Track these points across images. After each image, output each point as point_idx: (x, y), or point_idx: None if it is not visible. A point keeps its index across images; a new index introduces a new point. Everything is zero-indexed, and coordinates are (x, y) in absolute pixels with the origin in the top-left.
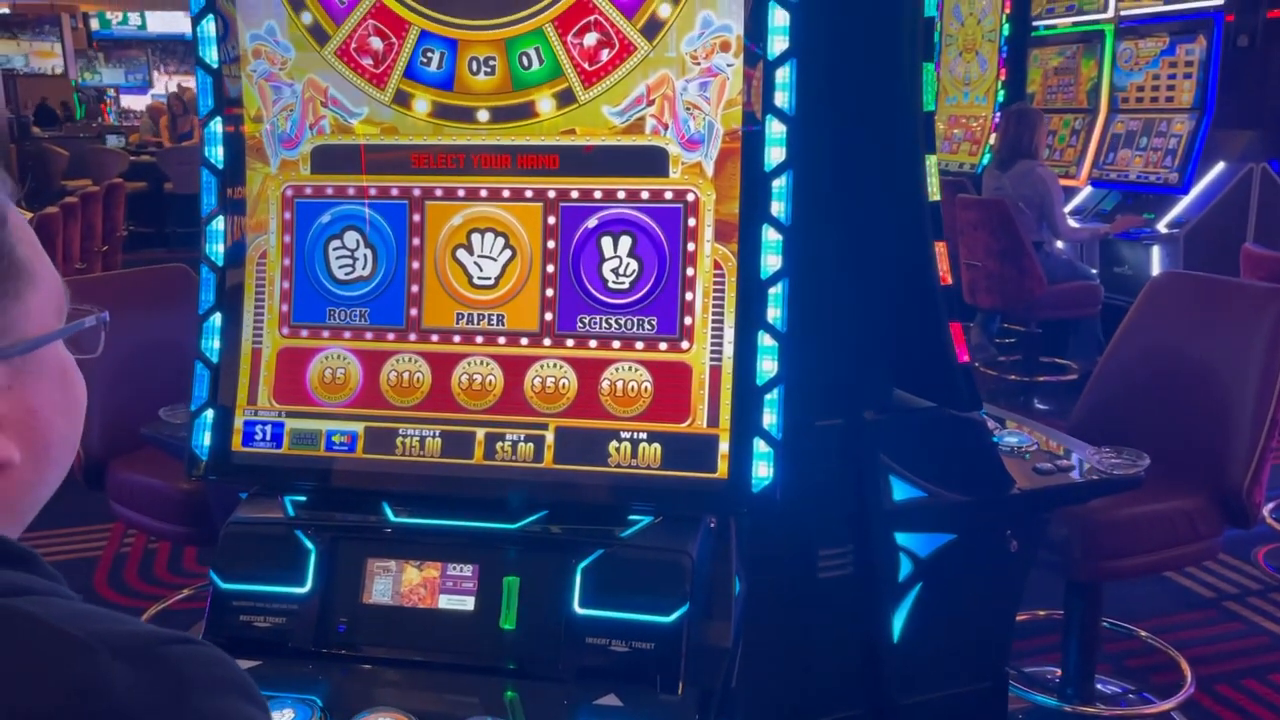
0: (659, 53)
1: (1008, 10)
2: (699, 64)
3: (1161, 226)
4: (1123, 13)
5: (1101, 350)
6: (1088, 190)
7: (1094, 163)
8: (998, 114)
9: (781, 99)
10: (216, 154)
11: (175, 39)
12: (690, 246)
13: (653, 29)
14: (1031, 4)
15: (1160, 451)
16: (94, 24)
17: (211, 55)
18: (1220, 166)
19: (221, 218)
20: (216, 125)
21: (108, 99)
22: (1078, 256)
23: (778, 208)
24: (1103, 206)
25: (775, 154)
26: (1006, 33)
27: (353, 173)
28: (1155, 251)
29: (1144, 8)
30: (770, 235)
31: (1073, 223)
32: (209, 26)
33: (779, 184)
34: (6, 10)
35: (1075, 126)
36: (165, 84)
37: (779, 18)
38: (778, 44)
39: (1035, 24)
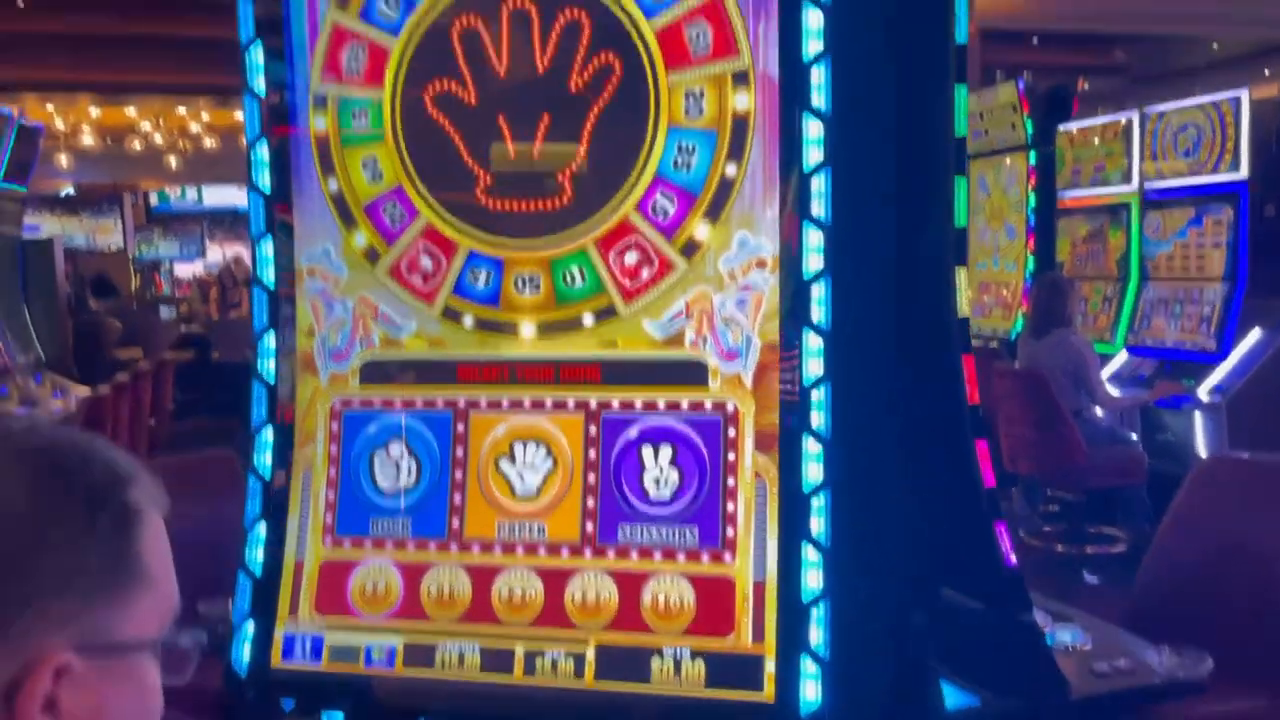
0: (697, 270)
1: (1032, 183)
2: (736, 281)
3: (1202, 393)
4: (1148, 185)
5: (1150, 519)
6: (1124, 357)
7: (1129, 329)
8: (1029, 280)
9: (818, 314)
10: (269, 367)
11: (228, 211)
12: (731, 457)
13: (691, 248)
14: (1056, 177)
15: (1221, 646)
16: (153, 199)
17: (268, 275)
18: (1257, 333)
19: (270, 428)
20: (270, 340)
21: (161, 270)
22: (1119, 423)
23: (818, 419)
24: (1140, 372)
25: (813, 367)
26: (1032, 203)
27: (400, 385)
28: (1198, 418)
29: (1168, 181)
30: (811, 446)
31: (1112, 390)
32: (267, 247)
33: (817, 396)
34: (71, 190)
35: (1107, 294)
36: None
37: (813, 238)
38: (813, 262)
39: (1061, 194)
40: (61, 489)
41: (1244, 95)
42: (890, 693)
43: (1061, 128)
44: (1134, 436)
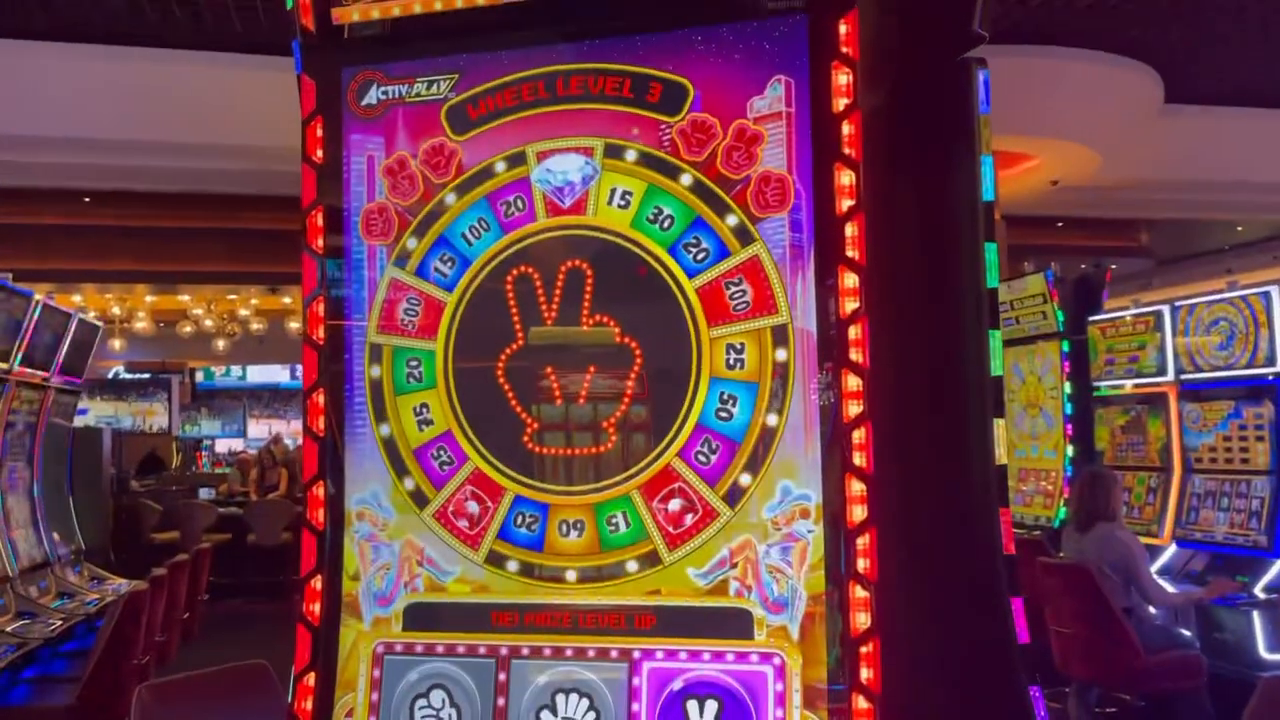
0: (741, 518)
1: (1067, 371)
2: (780, 529)
3: (1259, 591)
4: (1184, 377)
5: None
6: (1173, 549)
7: (1175, 522)
8: (1069, 468)
9: (864, 564)
10: (314, 610)
11: (270, 387)
12: (779, 713)
13: (734, 496)
14: (1089, 365)
15: None
16: (199, 376)
17: (319, 517)
18: None
19: (313, 674)
20: (317, 583)
21: (204, 449)
22: (1173, 622)
23: (868, 674)
24: (1191, 567)
25: (860, 620)
26: (1068, 391)
27: (443, 631)
28: (1256, 618)
29: (1203, 374)
30: (860, 704)
31: (1165, 585)
32: (319, 490)
33: (866, 650)
34: (122, 368)
35: (1151, 484)
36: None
37: (855, 489)
38: (856, 513)
39: (1097, 384)
40: None
41: (1275, 290)
42: None
43: (1092, 319)
44: (1190, 635)
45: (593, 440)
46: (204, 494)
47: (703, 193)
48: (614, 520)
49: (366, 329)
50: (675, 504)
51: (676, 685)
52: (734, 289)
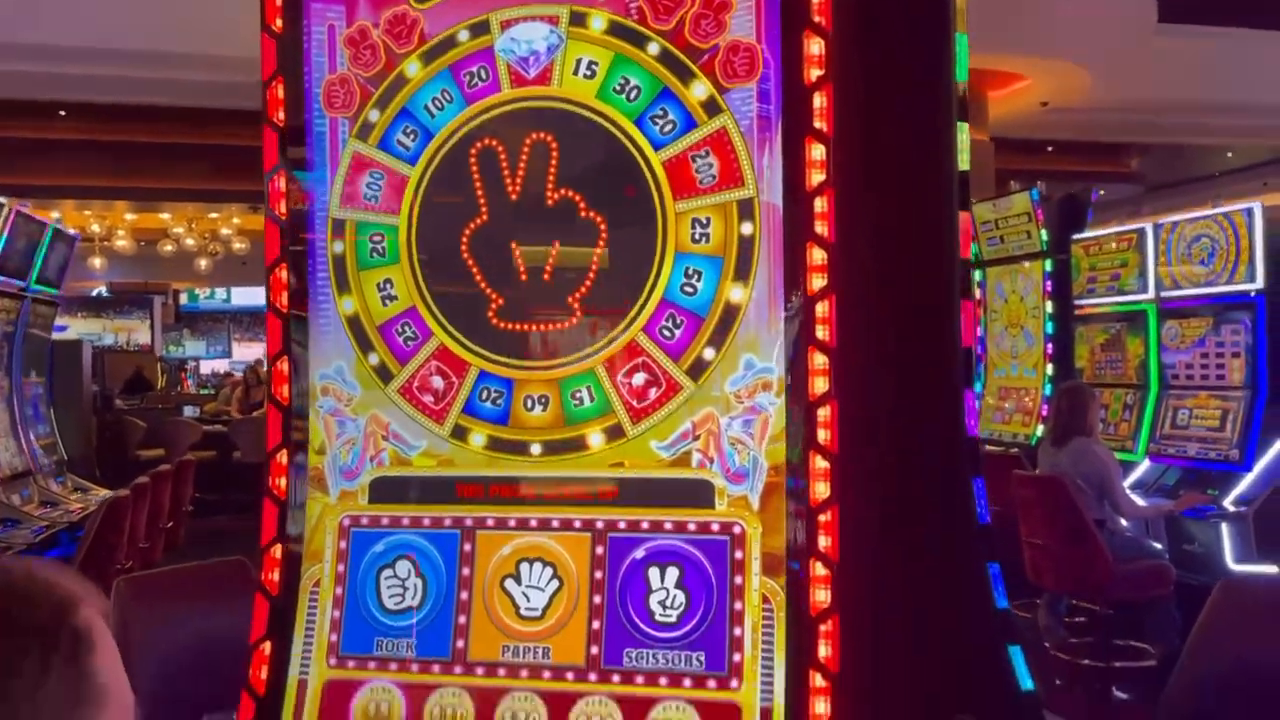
0: (704, 391)
1: (1048, 291)
2: (743, 402)
3: (1228, 504)
4: (1164, 294)
5: (1180, 633)
6: (1146, 465)
7: (1150, 438)
8: (1048, 386)
9: (824, 436)
10: (279, 484)
11: (255, 310)
12: (738, 580)
13: (698, 370)
14: (1072, 283)
15: None
16: (182, 299)
17: (283, 392)
18: None
19: (279, 546)
20: (282, 457)
21: (188, 370)
22: (1144, 534)
23: (825, 542)
24: (1164, 481)
25: (820, 489)
26: (1049, 310)
27: (409, 503)
28: (1225, 530)
29: (1184, 290)
30: (818, 570)
31: (1136, 499)
32: (283, 366)
33: (825, 518)
34: (104, 290)
35: (1127, 401)
36: (245, 351)
37: (818, 361)
38: (818, 385)
39: (1078, 302)
40: (11, 636)
41: (1257, 206)
42: None
43: (1076, 237)
44: (1160, 547)
45: (557, 315)
46: (189, 412)
47: (670, 62)
48: (578, 394)
49: (329, 204)
50: (639, 378)
51: (639, 554)
52: (700, 161)
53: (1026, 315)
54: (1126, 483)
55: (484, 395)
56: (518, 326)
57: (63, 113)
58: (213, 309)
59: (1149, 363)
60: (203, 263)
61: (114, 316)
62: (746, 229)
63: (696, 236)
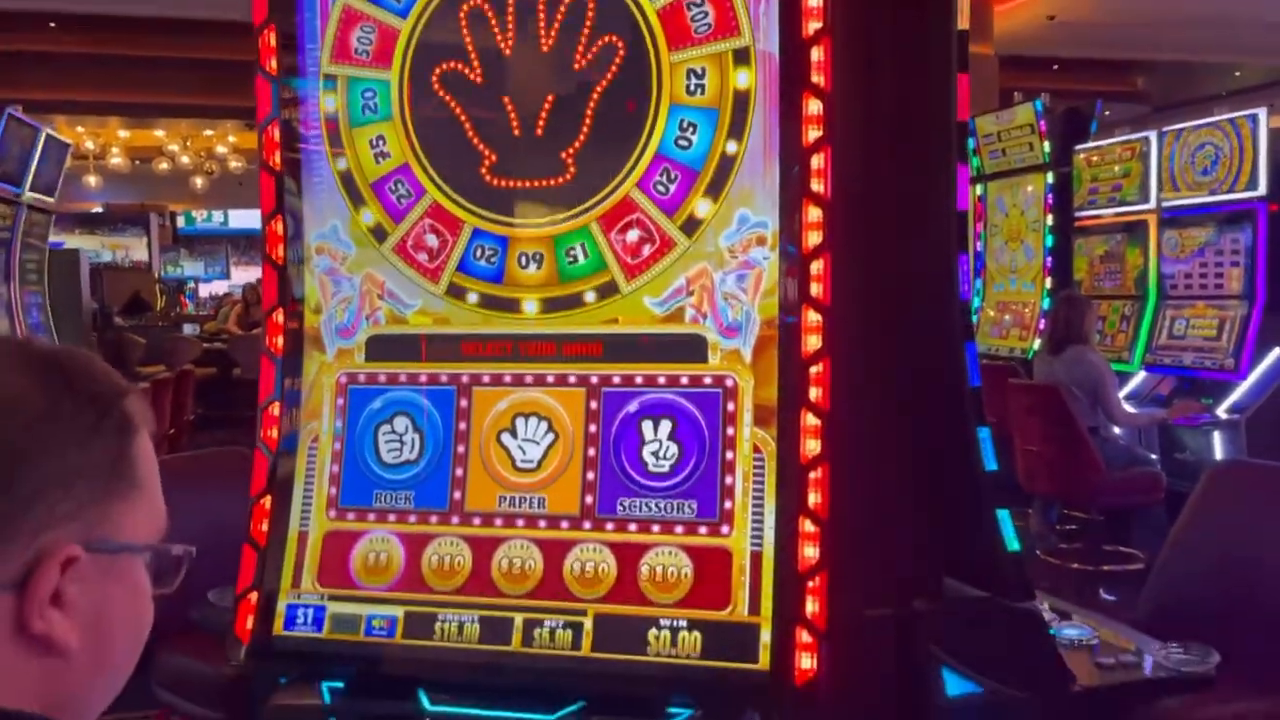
0: (698, 247)
1: (1049, 204)
2: (736, 257)
3: (1221, 412)
4: (1165, 204)
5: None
6: (1142, 375)
7: (1146, 348)
8: (1046, 300)
9: (817, 289)
10: (277, 343)
11: (253, 233)
12: (730, 431)
13: (692, 226)
14: (1073, 195)
15: (1231, 648)
16: (180, 221)
17: (278, 252)
18: (1277, 352)
19: (278, 404)
20: (279, 317)
21: (187, 293)
22: (1137, 442)
23: (816, 393)
24: (1158, 391)
25: (812, 342)
26: (1050, 223)
27: (405, 361)
28: (1217, 437)
29: (1186, 198)
30: (809, 420)
31: (1129, 408)
32: (277, 226)
33: (816, 370)
34: (100, 209)
35: (1125, 312)
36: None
37: (813, 214)
38: (811, 238)
39: (1078, 214)
40: (68, 391)
41: (1262, 113)
42: (888, 669)
43: (1079, 148)
44: (1153, 456)
45: (551, 172)
46: (189, 330)
47: None
48: (572, 252)
49: (320, 59)
50: (633, 234)
51: (632, 407)
52: (695, 10)
53: (1026, 229)
54: (1121, 393)
55: (478, 253)
56: (511, 183)
57: (52, 24)
58: (210, 231)
59: (1148, 273)
60: (199, 181)
61: (110, 234)
62: (743, 80)
63: (691, 88)
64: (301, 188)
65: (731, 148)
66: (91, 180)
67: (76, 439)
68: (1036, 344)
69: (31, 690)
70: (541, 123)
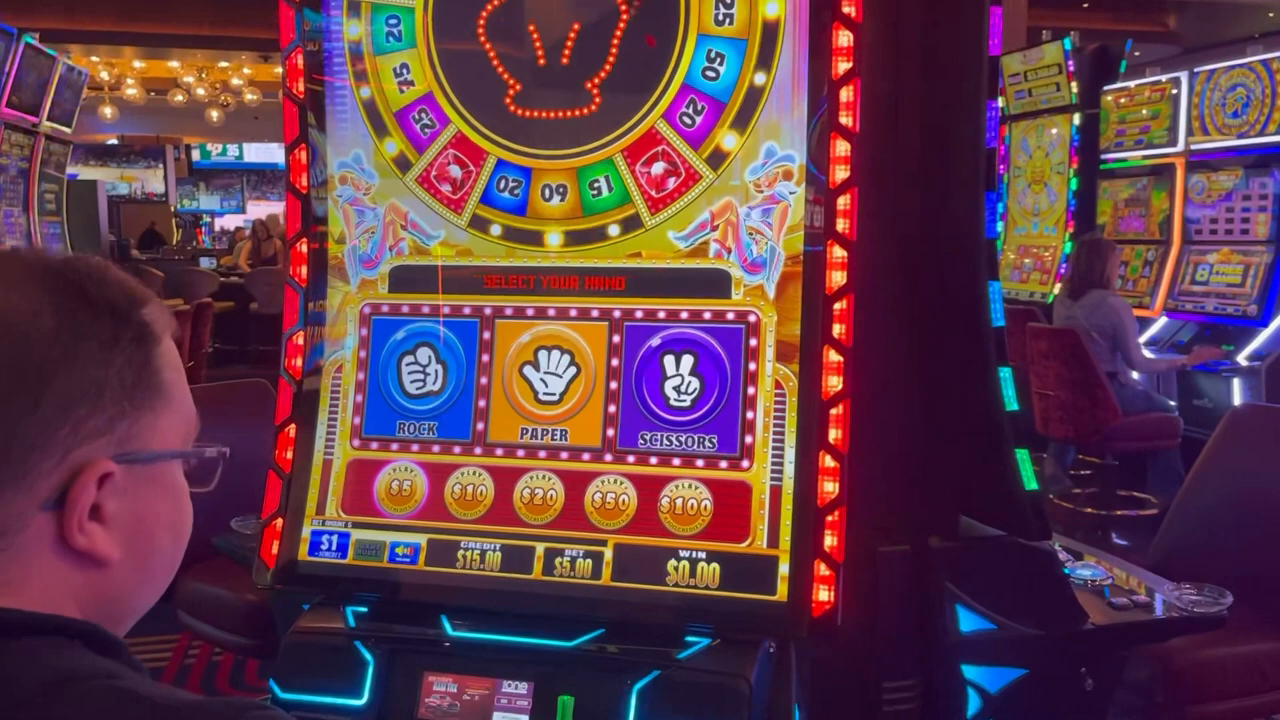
0: (724, 181)
1: (1076, 146)
2: (762, 191)
3: (1241, 359)
4: (1193, 147)
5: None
6: (1163, 321)
7: (1168, 294)
8: (1069, 245)
9: (843, 225)
10: (301, 272)
11: (268, 168)
12: (752, 366)
13: (718, 159)
14: (1099, 138)
15: (1245, 590)
16: (195, 154)
17: (302, 181)
18: None
19: (301, 333)
20: (302, 246)
21: (203, 224)
22: (1155, 388)
23: (839, 330)
24: (1179, 338)
25: (836, 278)
26: (1075, 166)
27: (428, 292)
28: (1236, 384)
29: (1214, 142)
30: (831, 356)
31: (1148, 353)
32: (300, 155)
33: (840, 306)
34: (115, 141)
35: (1148, 257)
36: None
37: (840, 148)
38: (838, 173)
39: (1104, 157)
40: (85, 305)
41: None
42: (903, 604)
43: (1107, 89)
44: (1171, 402)
45: (576, 102)
46: (205, 263)
47: None
48: (596, 184)
49: None
50: (658, 167)
51: (655, 342)
52: None
53: (1050, 172)
54: (1142, 339)
55: (502, 185)
56: (535, 114)
57: None
58: (225, 165)
59: (1173, 218)
60: (214, 114)
61: (126, 165)
62: (772, 9)
63: (720, 18)
64: (325, 116)
65: (759, 79)
66: (107, 112)
67: (97, 353)
68: (1057, 289)
69: (76, 600)
70: (566, 52)
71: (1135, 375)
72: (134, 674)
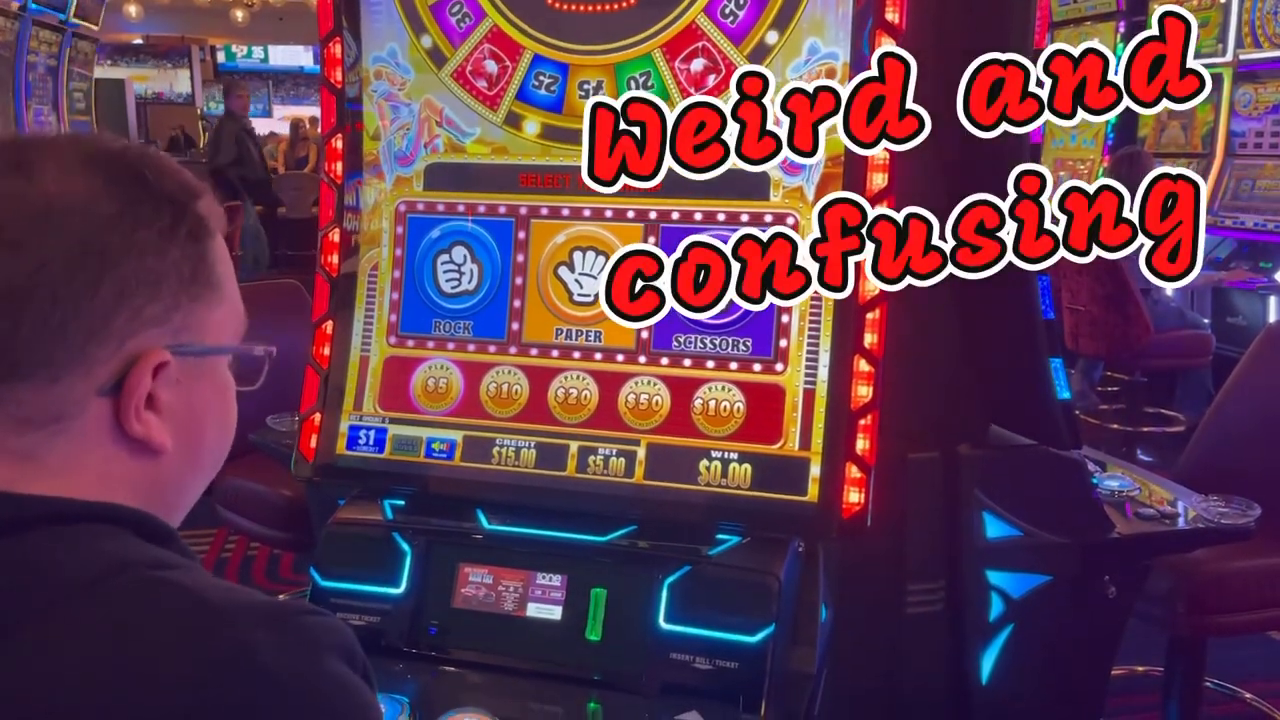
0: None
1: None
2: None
3: (1279, 276)
4: (1241, 57)
5: (1211, 403)
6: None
7: (1208, 209)
8: (1106, 158)
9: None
10: (336, 169)
11: (294, 71)
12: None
13: (759, 55)
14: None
15: (1273, 504)
16: (220, 56)
17: (336, 76)
18: None
19: (337, 230)
20: (337, 142)
21: None
22: (1188, 305)
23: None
24: (1216, 254)
25: (877, 180)
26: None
27: (463, 190)
28: (1272, 302)
29: (1264, 52)
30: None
31: None
32: (335, 49)
33: (879, 209)
34: (140, 41)
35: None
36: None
37: (885, 46)
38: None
39: None
40: (145, 193)
41: None
42: (931, 509)
43: None
44: (1204, 320)
45: None
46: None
47: None
48: (635, 81)
49: None
50: (698, 64)
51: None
52: None
53: None
54: None
55: (538, 81)
56: (573, 7)
57: None
58: (251, 68)
59: (1217, 130)
60: (239, 15)
61: (153, 65)
62: None
63: None
64: (358, 9)
65: None
66: (132, 10)
67: (156, 241)
68: None
69: (130, 488)
70: None
71: (1169, 291)
72: (185, 561)
